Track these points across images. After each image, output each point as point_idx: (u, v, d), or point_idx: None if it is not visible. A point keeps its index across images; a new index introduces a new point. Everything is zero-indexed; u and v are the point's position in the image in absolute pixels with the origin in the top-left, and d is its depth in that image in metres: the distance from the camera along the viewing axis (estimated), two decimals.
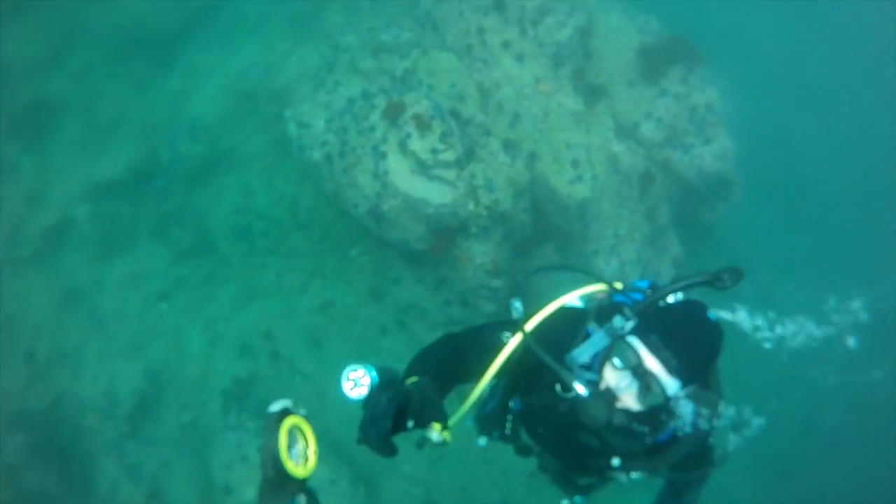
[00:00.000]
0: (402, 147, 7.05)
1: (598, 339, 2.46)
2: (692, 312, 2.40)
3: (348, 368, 2.28)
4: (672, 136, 8.46)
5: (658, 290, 2.51)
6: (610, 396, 2.33)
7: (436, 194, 7.03)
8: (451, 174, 7.02)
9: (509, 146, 7.49)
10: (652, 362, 2.26)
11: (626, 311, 2.40)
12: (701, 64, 8.80)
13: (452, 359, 2.61)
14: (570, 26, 7.86)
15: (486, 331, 2.69)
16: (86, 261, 9.53)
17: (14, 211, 9.54)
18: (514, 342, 2.56)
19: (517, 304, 2.65)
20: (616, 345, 2.36)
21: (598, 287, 2.79)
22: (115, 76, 10.45)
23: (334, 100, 7.89)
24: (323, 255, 8.83)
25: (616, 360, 2.34)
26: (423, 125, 6.97)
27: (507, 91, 7.61)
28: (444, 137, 6.95)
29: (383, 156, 7.13)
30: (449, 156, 6.95)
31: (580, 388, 2.37)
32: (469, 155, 7.19)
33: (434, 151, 6.94)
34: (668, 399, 2.28)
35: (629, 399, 2.32)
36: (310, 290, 8.87)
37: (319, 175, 7.77)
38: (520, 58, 7.72)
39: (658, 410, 2.33)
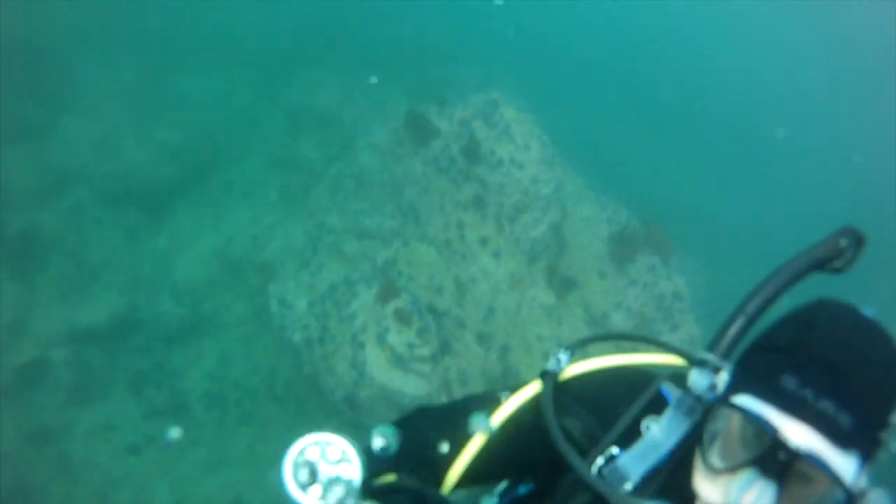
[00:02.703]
0: (381, 340, 7.33)
1: (670, 423, 1.49)
2: (836, 318, 1.34)
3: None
4: (641, 324, 8.82)
5: (752, 300, 1.55)
6: None
7: (411, 386, 7.28)
8: (426, 368, 7.29)
9: (483, 339, 7.80)
10: (798, 430, 1.21)
11: (708, 357, 1.47)
12: (668, 251, 9.27)
13: (426, 440, 1.70)
14: (544, 223, 8.32)
15: (462, 406, 1.76)
16: (58, 404, 9.53)
17: None
18: (522, 396, 1.67)
19: (562, 356, 1.69)
20: (712, 419, 1.34)
21: (668, 359, 1.73)
22: (105, 222, 10.81)
23: (317, 282, 8.20)
24: (297, 427, 8.85)
25: (715, 452, 1.32)
26: (402, 319, 7.27)
27: (483, 286, 7.98)
28: (420, 333, 7.25)
29: (362, 346, 7.40)
30: (425, 351, 7.24)
31: None
32: (444, 349, 7.48)
33: (411, 346, 7.23)
34: (849, 497, 1.22)
35: None
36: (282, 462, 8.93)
37: (299, 356, 8.00)
38: (496, 254, 8.13)
39: None
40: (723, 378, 1.38)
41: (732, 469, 1.26)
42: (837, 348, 1.26)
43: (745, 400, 1.27)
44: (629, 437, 1.51)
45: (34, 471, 9.06)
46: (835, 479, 1.19)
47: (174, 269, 10.24)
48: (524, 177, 8.35)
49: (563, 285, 8.49)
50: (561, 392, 1.62)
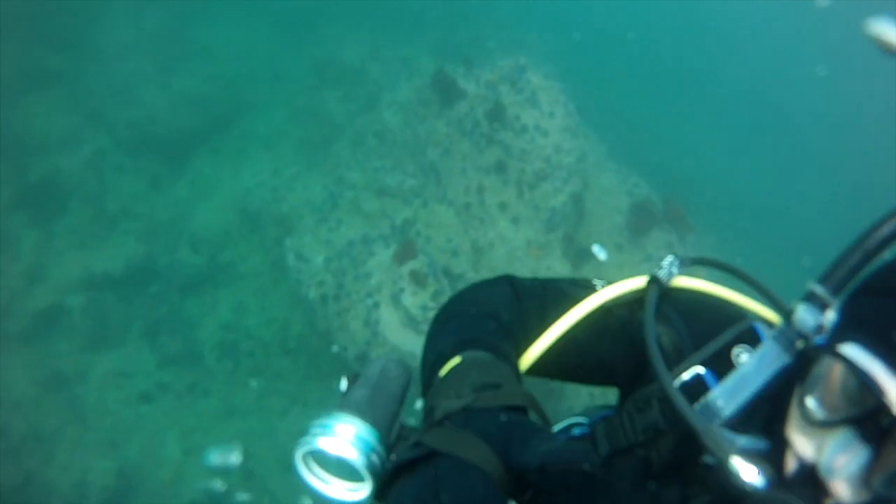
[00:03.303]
0: (395, 300, 7.34)
1: (765, 357, 1.35)
2: None
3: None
4: None
5: (874, 233, 1.33)
6: (812, 491, 1.14)
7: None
8: None
9: None
10: None
11: (817, 291, 1.31)
12: (686, 228, 9.21)
13: (510, 306, 1.51)
14: (565, 192, 8.26)
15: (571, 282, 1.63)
16: (73, 350, 9.67)
17: (9, 284, 9.73)
18: (624, 286, 1.52)
19: (672, 266, 1.53)
20: (816, 363, 1.18)
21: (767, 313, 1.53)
22: (125, 169, 10.85)
23: (335, 238, 8.20)
24: (307, 382, 9.01)
25: (813, 401, 1.15)
26: (417, 281, 7.27)
27: (500, 251, 7.95)
28: (435, 296, 7.25)
29: (376, 305, 7.42)
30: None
31: (747, 473, 1.19)
32: None
33: (424, 308, 7.23)
34: None
35: (847, 488, 1.10)
36: (290, 415, 9.02)
37: (313, 312, 8.02)
38: (515, 220, 8.08)
39: None
40: (829, 317, 1.25)
41: (829, 425, 1.12)
42: None
43: (852, 350, 1.10)
44: (717, 361, 1.39)
45: (47, 416, 9.20)
46: None
47: (193, 219, 10.28)
48: (547, 145, 8.28)
49: (580, 255, 8.45)
50: (662, 298, 1.50)
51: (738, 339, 1.39)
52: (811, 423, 1.14)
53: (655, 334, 1.40)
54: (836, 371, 1.13)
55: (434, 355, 1.39)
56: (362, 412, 1.16)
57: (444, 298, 7.31)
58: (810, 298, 1.30)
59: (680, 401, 1.27)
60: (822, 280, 1.33)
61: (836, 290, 1.31)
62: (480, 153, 8.24)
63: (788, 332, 1.33)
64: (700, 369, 1.37)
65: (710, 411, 1.30)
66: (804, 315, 1.29)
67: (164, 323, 9.83)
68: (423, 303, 7.25)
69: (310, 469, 1.15)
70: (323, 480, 1.15)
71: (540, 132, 8.30)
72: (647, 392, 1.41)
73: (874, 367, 1.06)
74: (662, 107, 16.28)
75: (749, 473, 1.19)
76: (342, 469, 1.12)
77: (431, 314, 7.21)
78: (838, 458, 1.09)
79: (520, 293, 1.56)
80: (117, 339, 9.82)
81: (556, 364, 1.52)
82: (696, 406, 1.30)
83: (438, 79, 8.67)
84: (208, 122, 11.22)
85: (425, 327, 7.26)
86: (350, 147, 9.33)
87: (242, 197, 9.97)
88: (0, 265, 9.84)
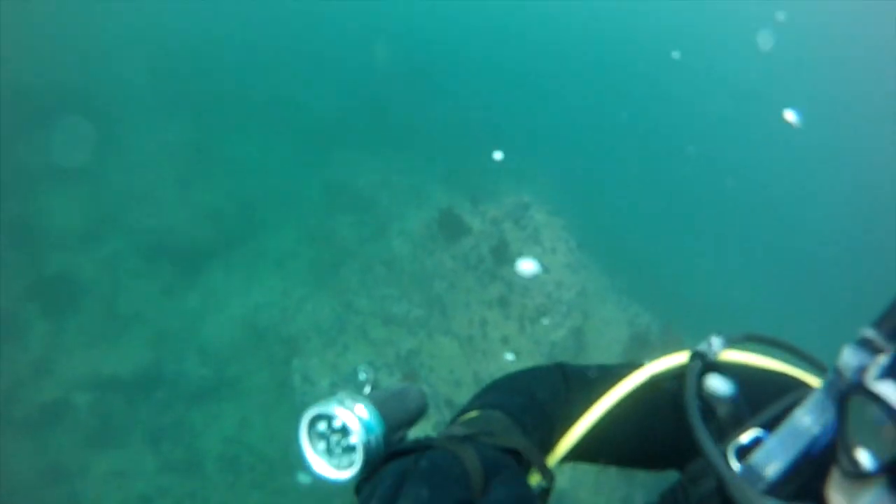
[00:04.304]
0: None
1: (813, 409, 1.21)
2: None
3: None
4: None
5: None
6: None
7: None
8: None
9: None
10: None
11: (869, 335, 1.14)
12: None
13: (552, 387, 1.50)
14: (565, 327, 8.66)
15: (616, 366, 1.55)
16: (75, 445, 9.78)
17: (17, 372, 9.96)
18: (667, 362, 1.46)
19: (714, 341, 1.46)
20: (853, 407, 1.06)
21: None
22: (139, 274, 11.22)
23: (341, 363, 8.55)
24: (307, 499, 9.16)
25: (848, 448, 1.04)
26: None
27: None
28: (436, 427, 7.54)
29: None
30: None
31: None
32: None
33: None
34: None
35: None
36: None
37: None
38: (517, 353, 8.45)
39: None
40: (881, 362, 1.07)
41: (859, 476, 1.00)
42: None
43: (887, 388, 0.97)
44: (777, 423, 1.26)
45: None
46: None
47: (202, 330, 10.60)
48: (549, 280, 8.72)
49: None
50: (713, 369, 1.41)
51: (798, 403, 1.27)
52: (846, 475, 1.04)
53: (697, 402, 1.32)
54: (873, 412, 1.01)
55: (457, 412, 1.42)
56: (378, 404, 1.25)
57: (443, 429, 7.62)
58: (861, 343, 1.15)
59: (720, 465, 1.21)
60: (876, 325, 1.18)
61: (892, 336, 1.15)
62: (484, 288, 8.69)
63: (837, 382, 1.18)
64: (759, 432, 1.28)
65: (754, 474, 1.20)
66: (849, 358, 1.14)
67: (168, 430, 10.01)
68: (424, 433, 7.53)
69: (310, 437, 1.22)
70: (316, 452, 1.21)
71: (542, 268, 8.76)
72: (704, 463, 1.29)
73: None
74: (666, 234, 16.67)
75: None
76: (339, 450, 1.19)
77: None
78: None
79: (568, 377, 1.53)
80: (120, 440, 9.96)
81: (605, 443, 1.46)
82: (740, 468, 1.22)
83: (445, 217, 9.18)
84: (223, 237, 11.67)
85: None
86: (359, 273, 9.76)
87: (252, 313, 10.33)
88: (9, 353, 10.11)
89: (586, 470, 8.50)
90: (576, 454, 1.44)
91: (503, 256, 8.78)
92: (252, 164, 13.50)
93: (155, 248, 11.47)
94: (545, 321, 8.59)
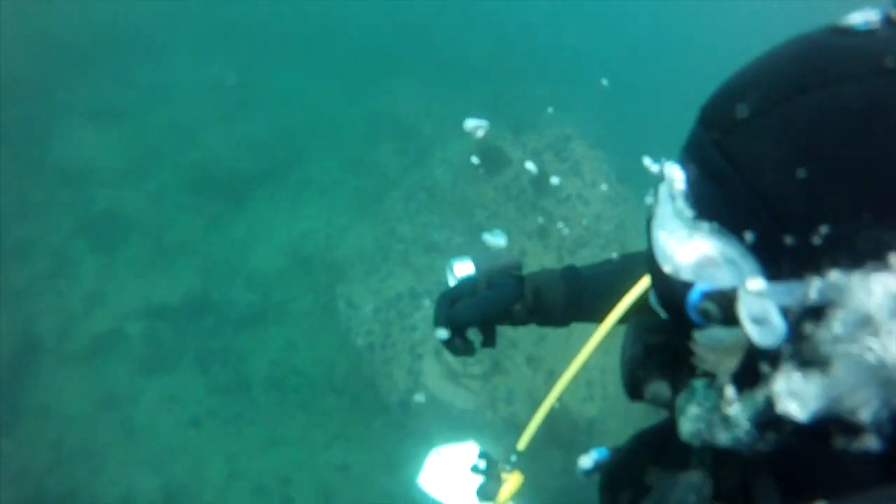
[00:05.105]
0: (438, 354, 7.90)
1: None
2: None
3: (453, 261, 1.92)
4: None
5: None
6: None
7: (460, 399, 7.84)
8: (476, 385, 7.84)
9: (532, 361, 8.31)
10: None
11: None
12: None
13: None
14: (602, 259, 8.76)
15: None
16: (127, 372, 10.20)
17: (69, 307, 10.39)
18: None
19: None
20: None
21: None
22: (186, 206, 11.52)
23: (384, 289, 8.78)
24: (349, 419, 9.53)
25: None
26: None
27: None
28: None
29: (419, 357, 7.98)
30: (477, 370, 7.80)
31: None
32: (495, 367, 8.01)
33: (464, 363, 7.78)
34: None
35: None
36: (331, 449, 9.54)
37: (359, 357, 8.59)
38: None
39: None
40: None
41: None
42: None
43: None
44: None
45: (98, 433, 9.68)
46: None
47: (248, 258, 10.90)
48: (588, 213, 8.82)
49: None
50: None
51: None
52: None
53: None
54: None
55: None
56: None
57: (483, 355, 7.85)
58: None
59: None
60: None
61: None
62: (524, 218, 8.81)
63: None
64: None
65: None
66: None
67: (217, 354, 10.40)
68: (463, 357, 7.79)
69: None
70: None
71: (582, 201, 8.86)
72: None
73: None
74: None
75: None
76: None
77: (472, 369, 7.76)
78: None
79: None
80: (171, 366, 10.38)
81: None
82: None
83: (487, 148, 9.27)
84: (267, 167, 11.89)
85: (464, 381, 7.83)
86: (401, 201, 9.92)
87: (297, 241, 10.59)
88: (61, 288, 10.53)
89: (615, 400, 8.73)
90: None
91: (543, 188, 8.87)
92: (293, 95, 13.61)
93: (200, 181, 11.72)
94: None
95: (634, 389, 1.28)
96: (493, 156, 9.18)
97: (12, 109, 11.45)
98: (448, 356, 7.86)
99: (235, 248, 11.05)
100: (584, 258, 8.84)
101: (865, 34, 0.81)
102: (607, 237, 8.92)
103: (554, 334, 8.62)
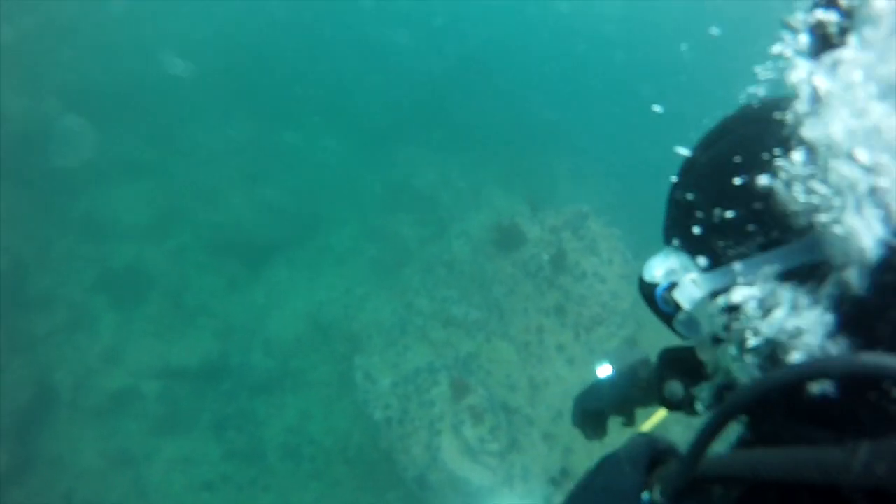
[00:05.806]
0: (456, 430, 7.98)
1: None
2: None
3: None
4: None
5: None
6: None
7: (477, 476, 7.90)
8: (493, 462, 7.90)
9: (549, 438, 8.37)
10: None
11: None
12: None
13: None
14: (618, 337, 8.89)
15: None
16: (142, 431, 10.26)
17: (86, 361, 10.48)
18: None
19: None
20: None
21: None
22: (206, 268, 11.69)
23: (402, 363, 8.89)
24: (363, 491, 9.57)
25: None
26: (476, 416, 7.92)
27: (556, 389, 8.57)
28: (493, 430, 7.88)
29: (438, 433, 8.05)
30: (494, 447, 7.87)
31: None
32: (512, 445, 8.08)
33: (482, 441, 7.86)
34: None
35: None
36: None
37: (376, 430, 8.67)
38: (571, 361, 8.72)
39: None
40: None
41: None
42: None
43: None
44: None
45: (110, 489, 9.74)
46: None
47: (267, 324, 11.03)
48: (605, 291, 8.97)
49: None
50: None
51: None
52: None
53: None
54: None
55: None
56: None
57: (500, 432, 7.93)
58: None
59: None
60: None
61: None
62: (542, 295, 8.97)
63: None
64: None
65: None
66: None
67: (233, 419, 10.48)
68: (480, 435, 7.88)
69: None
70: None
71: (598, 279, 9.02)
72: None
73: None
74: None
75: None
76: None
77: (489, 446, 7.83)
78: None
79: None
80: (186, 427, 10.45)
81: None
82: None
83: (505, 222, 9.46)
84: (287, 233, 12.09)
85: (482, 458, 7.89)
86: (420, 273, 10.09)
87: (315, 309, 10.73)
88: (79, 341, 10.66)
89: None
90: None
91: (561, 266, 9.03)
92: (315, 159, 13.90)
93: (220, 243, 11.91)
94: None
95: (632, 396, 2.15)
96: (510, 232, 9.36)
97: (43, 161, 11.65)
98: (467, 433, 7.94)
99: (254, 312, 11.19)
100: (600, 336, 8.97)
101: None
102: (623, 314, 9.05)
103: (570, 412, 8.70)
